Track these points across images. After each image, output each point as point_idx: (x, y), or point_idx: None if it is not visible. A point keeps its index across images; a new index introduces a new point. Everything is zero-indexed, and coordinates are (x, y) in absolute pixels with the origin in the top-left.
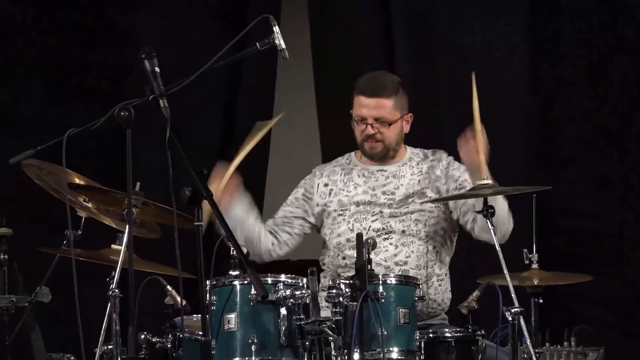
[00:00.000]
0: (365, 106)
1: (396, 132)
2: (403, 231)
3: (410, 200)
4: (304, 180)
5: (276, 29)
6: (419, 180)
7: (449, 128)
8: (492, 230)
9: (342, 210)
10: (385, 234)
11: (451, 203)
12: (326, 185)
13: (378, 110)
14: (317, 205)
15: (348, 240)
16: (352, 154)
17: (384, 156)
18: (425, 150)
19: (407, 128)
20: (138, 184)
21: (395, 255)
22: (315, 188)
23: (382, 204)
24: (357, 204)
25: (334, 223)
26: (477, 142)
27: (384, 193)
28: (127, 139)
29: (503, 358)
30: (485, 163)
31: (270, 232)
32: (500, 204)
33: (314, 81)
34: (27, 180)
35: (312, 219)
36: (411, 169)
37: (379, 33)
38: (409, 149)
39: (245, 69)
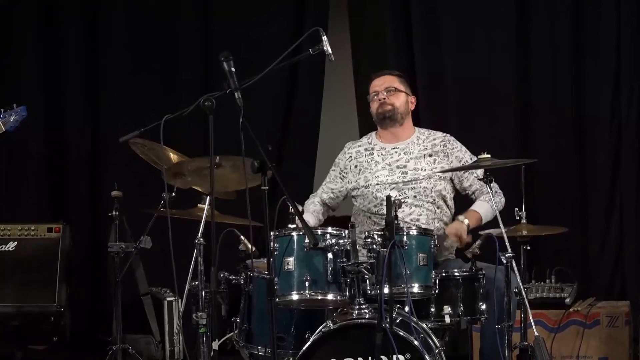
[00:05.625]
0: (376, 83)
1: (403, 101)
2: (415, 196)
3: (419, 171)
4: (339, 160)
5: (324, 38)
6: (425, 155)
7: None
8: (489, 194)
9: (367, 184)
10: (402, 198)
11: (456, 179)
12: (356, 166)
13: (386, 82)
14: (350, 182)
15: (375, 206)
16: (373, 134)
17: (394, 118)
18: (429, 130)
19: (412, 106)
20: (217, 157)
21: (410, 214)
22: (348, 168)
23: (398, 177)
24: (378, 183)
25: (362, 194)
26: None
27: (397, 167)
28: (210, 122)
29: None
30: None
31: (325, 209)
32: (485, 216)
33: (353, 80)
34: (133, 154)
35: (345, 192)
36: (418, 146)
37: (401, 39)
38: (417, 129)
39: (300, 73)
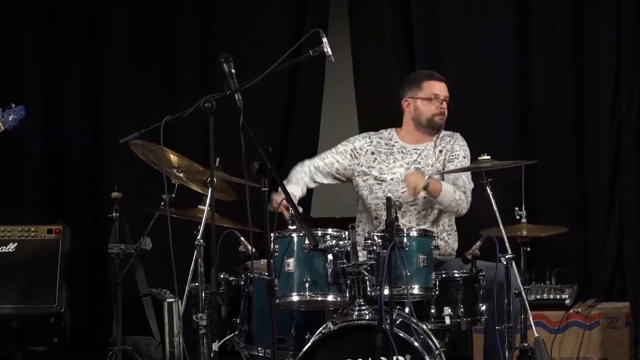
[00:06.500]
0: (439, 87)
1: None
2: (425, 197)
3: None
4: (356, 138)
5: (325, 39)
6: (436, 159)
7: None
8: (490, 195)
9: (380, 179)
10: (412, 202)
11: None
12: (373, 153)
13: (446, 91)
14: (360, 165)
15: (384, 203)
16: (393, 130)
17: (440, 130)
18: (448, 132)
19: None
20: (217, 159)
21: (417, 218)
22: (364, 150)
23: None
24: (393, 178)
25: (372, 190)
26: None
27: (415, 169)
28: (210, 124)
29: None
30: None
31: (310, 177)
32: (443, 191)
33: (353, 80)
34: (133, 154)
35: (348, 173)
36: (434, 149)
37: (401, 39)
38: None
39: (300, 74)
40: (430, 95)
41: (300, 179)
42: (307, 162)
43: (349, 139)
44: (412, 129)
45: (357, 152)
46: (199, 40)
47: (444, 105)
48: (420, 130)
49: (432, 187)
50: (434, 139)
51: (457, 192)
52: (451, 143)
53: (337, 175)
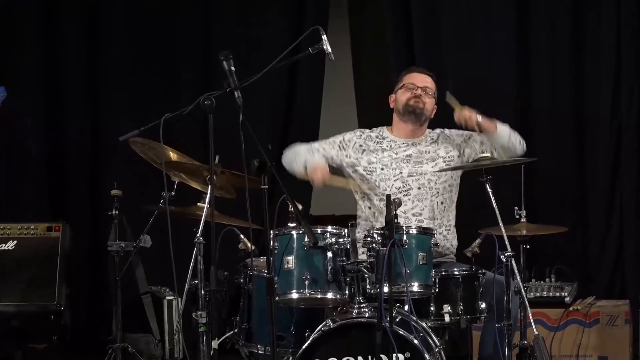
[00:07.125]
0: (416, 77)
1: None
2: (419, 188)
3: (425, 161)
4: (347, 133)
5: (324, 37)
6: (431, 146)
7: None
8: (490, 193)
9: (370, 170)
10: (405, 190)
11: (467, 149)
12: (361, 146)
13: (425, 82)
14: (348, 157)
15: (376, 193)
16: (384, 128)
17: (419, 117)
18: (439, 131)
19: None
20: (217, 156)
21: (412, 208)
22: (352, 142)
23: (403, 159)
24: (382, 167)
25: (363, 180)
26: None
27: (406, 156)
28: (210, 122)
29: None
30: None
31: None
32: (501, 128)
33: (353, 80)
34: (133, 153)
35: (336, 162)
36: (426, 143)
37: (401, 39)
38: (427, 130)
39: (300, 72)
40: (407, 84)
41: (312, 153)
42: (304, 145)
43: (343, 133)
44: (397, 122)
45: (346, 144)
46: (199, 40)
47: (419, 91)
48: (404, 120)
49: (487, 122)
50: (427, 135)
51: (510, 130)
52: (446, 134)
53: (329, 162)
